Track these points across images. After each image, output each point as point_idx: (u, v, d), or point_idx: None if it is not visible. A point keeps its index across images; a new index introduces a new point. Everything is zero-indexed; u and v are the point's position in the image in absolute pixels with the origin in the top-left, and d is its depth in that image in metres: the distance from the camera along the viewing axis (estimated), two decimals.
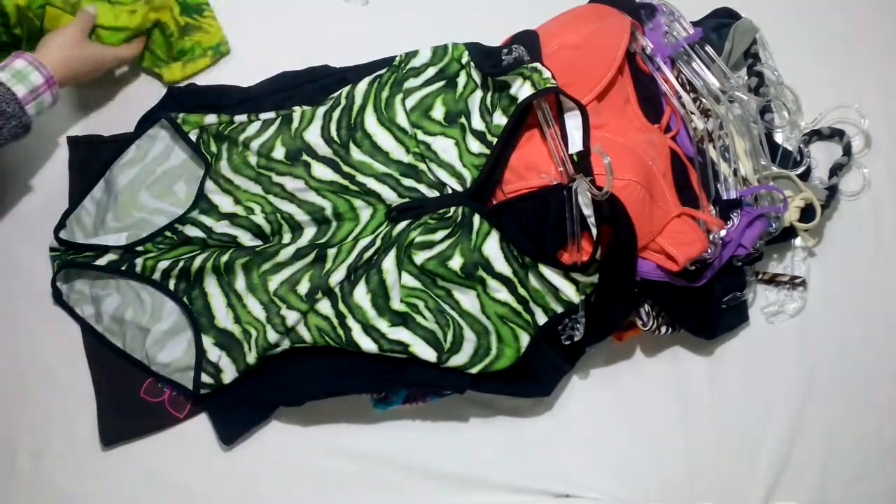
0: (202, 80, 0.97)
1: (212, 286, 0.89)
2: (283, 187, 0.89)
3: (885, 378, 1.03)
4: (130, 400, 0.90)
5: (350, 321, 0.85)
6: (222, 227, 0.89)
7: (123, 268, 0.89)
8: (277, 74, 0.97)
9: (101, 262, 0.90)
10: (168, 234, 0.90)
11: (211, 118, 0.93)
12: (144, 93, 0.98)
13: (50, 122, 0.96)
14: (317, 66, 0.98)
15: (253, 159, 0.90)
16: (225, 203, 0.90)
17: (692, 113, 0.95)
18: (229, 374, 0.87)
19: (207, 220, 0.89)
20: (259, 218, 0.89)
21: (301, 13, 1.06)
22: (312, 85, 0.96)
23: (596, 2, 0.99)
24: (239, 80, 0.97)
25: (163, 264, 0.89)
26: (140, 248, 0.90)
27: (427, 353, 0.84)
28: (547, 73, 0.85)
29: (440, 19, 1.06)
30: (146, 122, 0.95)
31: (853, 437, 1.01)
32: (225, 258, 0.87)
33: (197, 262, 0.88)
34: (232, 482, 0.90)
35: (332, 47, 1.00)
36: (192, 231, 0.89)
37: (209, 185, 0.91)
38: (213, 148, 0.92)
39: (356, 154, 0.89)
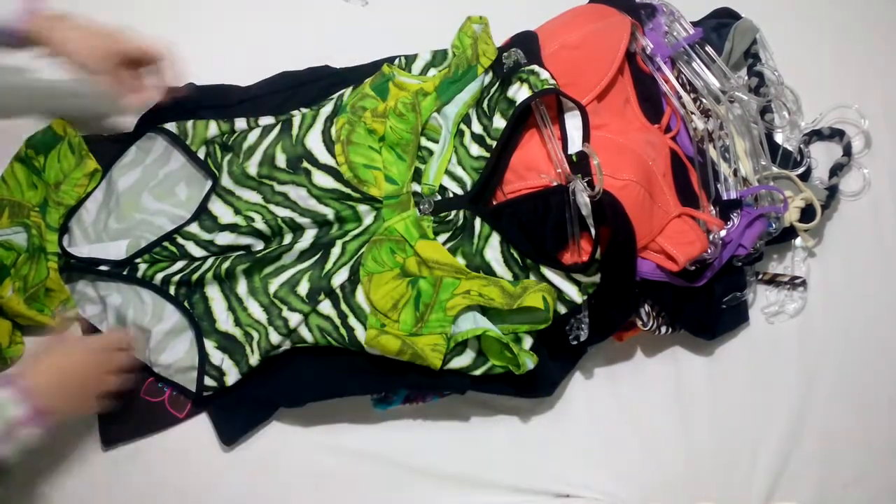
0: (202, 80, 0.96)
1: (213, 291, 0.88)
2: (285, 196, 0.89)
3: (884, 378, 1.03)
4: (130, 400, 0.90)
5: (352, 321, 0.84)
6: (224, 238, 0.89)
7: (125, 272, 0.89)
8: (277, 74, 0.97)
9: (104, 267, 0.89)
10: (170, 246, 0.89)
11: (213, 129, 0.92)
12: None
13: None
14: (317, 66, 0.98)
15: (253, 169, 0.89)
16: (225, 214, 0.89)
17: (692, 113, 0.95)
18: (232, 376, 0.86)
19: (209, 235, 0.89)
20: (260, 224, 0.88)
21: (301, 13, 1.06)
22: (312, 85, 0.96)
23: (596, 2, 0.99)
24: (239, 80, 0.97)
25: (164, 272, 0.89)
26: (139, 260, 0.90)
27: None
28: (545, 75, 0.85)
29: (440, 19, 1.06)
30: (145, 123, 0.94)
31: (853, 437, 1.01)
32: (226, 265, 0.87)
33: (199, 273, 0.88)
34: (232, 482, 0.90)
35: (332, 47, 1.00)
36: (194, 249, 0.89)
37: (211, 196, 0.91)
38: (220, 160, 0.92)
39: None
